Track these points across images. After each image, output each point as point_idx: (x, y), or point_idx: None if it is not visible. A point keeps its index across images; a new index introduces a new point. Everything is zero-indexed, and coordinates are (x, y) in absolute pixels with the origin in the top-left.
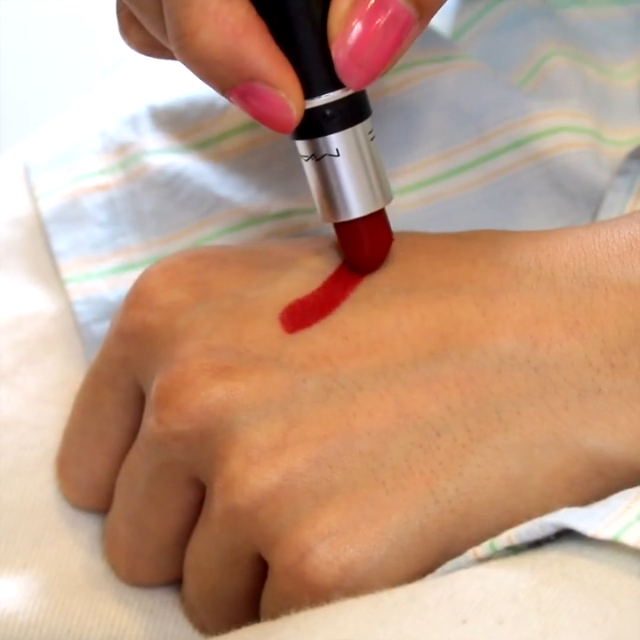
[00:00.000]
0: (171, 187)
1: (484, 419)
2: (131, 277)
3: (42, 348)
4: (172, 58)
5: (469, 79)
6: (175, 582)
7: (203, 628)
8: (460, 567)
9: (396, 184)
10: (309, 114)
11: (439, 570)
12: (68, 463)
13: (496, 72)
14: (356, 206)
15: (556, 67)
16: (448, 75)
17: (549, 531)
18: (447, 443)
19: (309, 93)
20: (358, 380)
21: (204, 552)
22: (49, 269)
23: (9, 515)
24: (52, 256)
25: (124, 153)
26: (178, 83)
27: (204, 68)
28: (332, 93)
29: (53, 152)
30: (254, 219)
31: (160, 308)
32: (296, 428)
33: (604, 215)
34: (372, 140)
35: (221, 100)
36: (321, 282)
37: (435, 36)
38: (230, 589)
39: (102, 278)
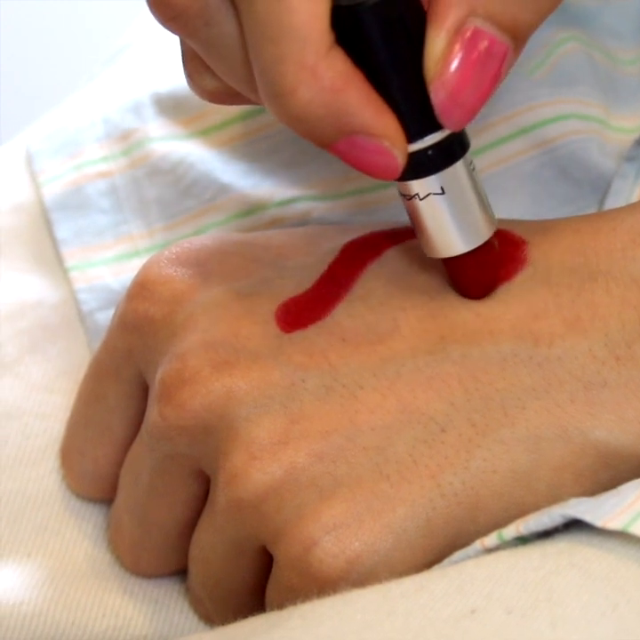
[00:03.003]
0: (174, 173)
1: (488, 414)
2: (134, 265)
3: (45, 336)
4: (250, 103)
5: None
6: (180, 572)
7: (208, 618)
8: (467, 557)
9: None
10: (412, 156)
11: (446, 560)
12: (71, 454)
13: None
14: (464, 241)
15: (568, 53)
16: None
17: (558, 521)
18: (452, 438)
19: (411, 137)
20: (359, 380)
21: (208, 544)
22: (52, 257)
23: (13, 504)
24: (54, 244)
25: (127, 140)
26: (182, 69)
27: (304, 126)
28: (432, 134)
29: (56, 139)
30: (258, 206)
31: (161, 300)
32: (298, 424)
33: (610, 202)
34: (473, 170)
35: None
36: (315, 279)
37: None
38: (235, 581)
39: (105, 266)
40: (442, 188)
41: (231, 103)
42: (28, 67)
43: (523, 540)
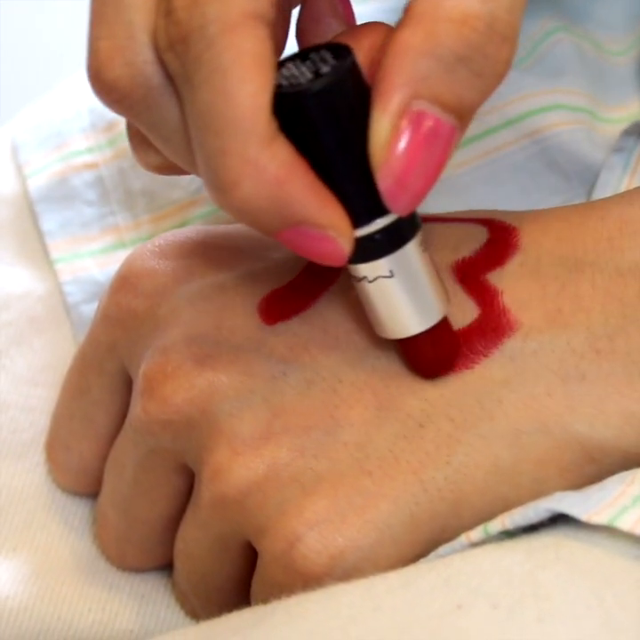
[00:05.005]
0: None
1: (465, 408)
2: (120, 257)
3: (30, 328)
4: (196, 174)
5: None
6: (166, 566)
7: (194, 613)
8: (453, 551)
9: None
10: (359, 240)
11: (432, 554)
12: (56, 448)
13: None
14: (416, 322)
15: (556, 43)
16: None
17: (543, 515)
18: (431, 433)
19: (358, 222)
20: (338, 373)
21: (193, 539)
22: (38, 249)
23: None
24: (40, 235)
25: (112, 130)
26: None
27: (247, 217)
28: (379, 220)
29: (41, 130)
30: None
31: (144, 293)
32: (279, 418)
33: (598, 193)
34: (424, 251)
35: None
36: (299, 271)
37: None
38: (220, 576)
39: (91, 258)
40: (391, 271)
41: (177, 174)
42: (12, 58)
43: (508, 534)
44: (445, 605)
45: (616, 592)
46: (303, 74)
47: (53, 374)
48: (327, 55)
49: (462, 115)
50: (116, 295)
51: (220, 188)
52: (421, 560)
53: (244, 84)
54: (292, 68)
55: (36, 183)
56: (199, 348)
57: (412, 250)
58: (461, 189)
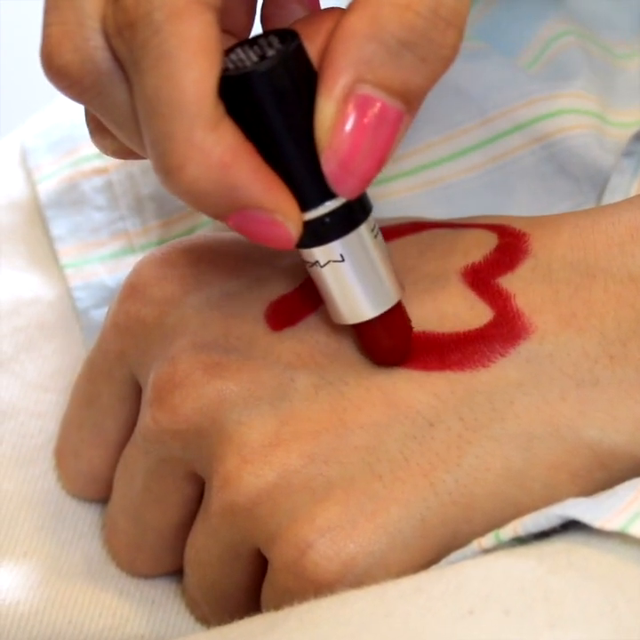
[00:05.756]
0: None
1: (476, 407)
2: (130, 262)
3: (41, 334)
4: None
5: (472, 61)
6: (177, 573)
7: (204, 619)
8: (464, 558)
9: (397, 167)
10: (309, 224)
11: (443, 560)
12: (66, 455)
13: (499, 54)
14: (369, 307)
15: (565, 47)
16: None
17: (555, 522)
18: (441, 433)
19: (306, 206)
20: (343, 376)
21: (204, 547)
22: (47, 254)
23: (9, 503)
24: (50, 241)
25: None
26: None
27: (193, 200)
28: (328, 203)
29: (51, 135)
30: None
31: (153, 302)
32: (288, 425)
33: (608, 198)
34: (376, 236)
35: None
36: (304, 277)
37: None
38: (231, 583)
39: (101, 263)
40: (342, 256)
41: (133, 159)
42: (23, 63)
43: (520, 541)
44: (457, 611)
45: (629, 598)
46: (250, 58)
47: (63, 380)
48: (274, 40)
49: (409, 99)
50: (125, 303)
51: (166, 171)
52: (433, 566)
53: (189, 69)
54: (240, 54)
55: (46, 188)
56: (207, 356)
57: (363, 234)
58: (471, 194)
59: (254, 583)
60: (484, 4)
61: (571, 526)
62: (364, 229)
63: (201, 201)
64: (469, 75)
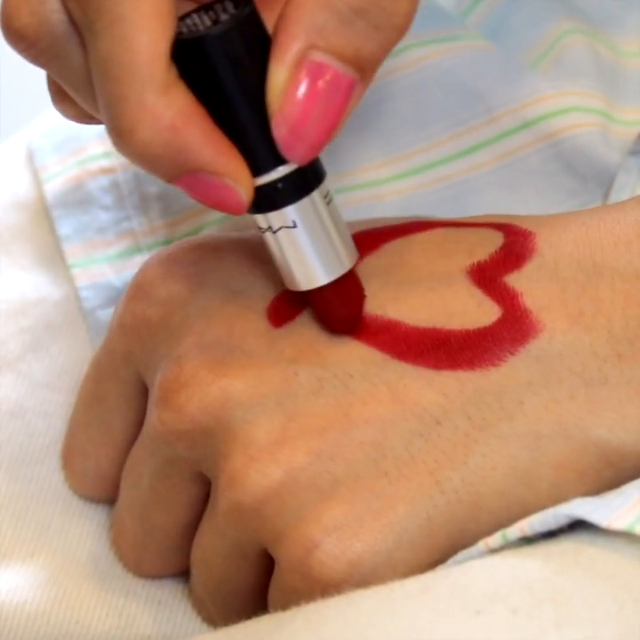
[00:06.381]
0: None
1: (484, 407)
2: (136, 262)
3: (47, 334)
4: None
5: (479, 59)
6: (184, 573)
7: (211, 620)
8: (471, 558)
9: (405, 165)
10: (261, 189)
11: (450, 560)
12: (73, 455)
13: (506, 52)
14: (322, 273)
15: (571, 45)
16: (458, 55)
17: (563, 521)
18: (448, 431)
19: (257, 171)
20: (348, 369)
21: (210, 546)
22: (54, 254)
23: (16, 503)
24: (56, 240)
25: None
26: None
27: (145, 163)
28: (280, 168)
29: (57, 135)
30: None
31: (158, 302)
32: (294, 421)
33: (615, 196)
34: (329, 203)
35: None
36: None
37: (444, 15)
38: (238, 583)
39: (107, 263)
40: (294, 222)
41: (94, 123)
42: (29, 63)
43: (527, 540)
44: (464, 611)
45: (636, 598)
46: (203, 22)
47: (70, 379)
48: (229, 5)
49: (363, 67)
50: (131, 304)
51: (118, 133)
52: (440, 566)
53: (142, 32)
54: (195, 18)
55: (53, 188)
56: (212, 355)
57: (315, 200)
58: (477, 192)
59: (261, 583)
60: (490, 2)
61: (577, 526)
62: (316, 196)
63: (152, 163)
64: (476, 73)
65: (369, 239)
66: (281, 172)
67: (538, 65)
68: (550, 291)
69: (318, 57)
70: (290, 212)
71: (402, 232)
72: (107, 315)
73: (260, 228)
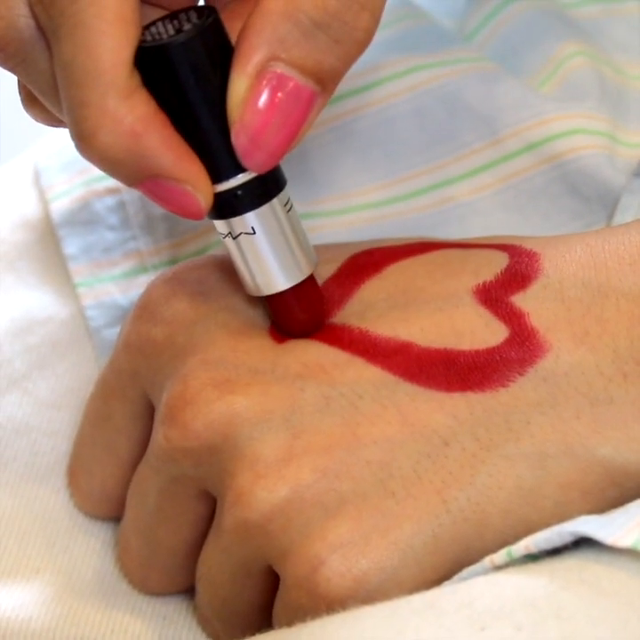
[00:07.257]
0: None
1: (493, 428)
2: (142, 282)
3: (53, 352)
4: None
5: (483, 81)
6: (189, 589)
7: (216, 636)
8: (476, 574)
9: (409, 186)
10: (221, 195)
11: (456, 577)
12: (78, 474)
13: (511, 74)
14: (281, 279)
15: (576, 67)
16: (462, 77)
17: (567, 539)
18: (456, 452)
19: (218, 178)
20: (357, 389)
21: (215, 564)
22: (60, 273)
23: (21, 521)
24: (63, 260)
25: None
26: None
27: (106, 167)
28: (240, 175)
29: (64, 155)
30: None
31: (163, 321)
32: (300, 438)
33: (619, 217)
34: (289, 210)
35: None
36: None
37: (448, 38)
38: (243, 601)
39: (113, 283)
40: (253, 228)
41: (63, 127)
42: None
43: (532, 558)
44: (469, 627)
45: None
46: (167, 31)
47: (76, 398)
48: (193, 15)
49: (323, 80)
50: (136, 323)
51: (80, 137)
52: (445, 583)
53: (105, 38)
54: (159, 27)
55: (59, 207)
56: (217, 372)
57: (275, 208)
58: (482, 214)
59: (266, 600)
60: (496, 25)
61: (582, 543)
62: (276, 203)
63: (113, 167)
64: (481, 94)
65: (373, 260)
66: (240, 179)
67: (543, 87)
68: (556, 311)
69: (279, 68)
70: (249, 219)
71: (406, 253)
72: (113, 334)
73: (220, 234)
